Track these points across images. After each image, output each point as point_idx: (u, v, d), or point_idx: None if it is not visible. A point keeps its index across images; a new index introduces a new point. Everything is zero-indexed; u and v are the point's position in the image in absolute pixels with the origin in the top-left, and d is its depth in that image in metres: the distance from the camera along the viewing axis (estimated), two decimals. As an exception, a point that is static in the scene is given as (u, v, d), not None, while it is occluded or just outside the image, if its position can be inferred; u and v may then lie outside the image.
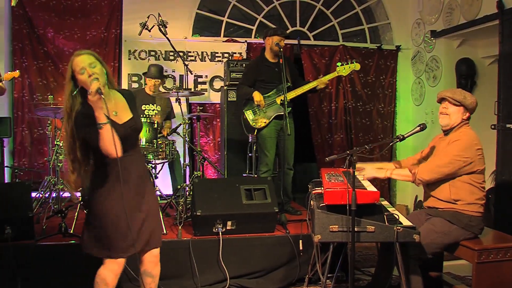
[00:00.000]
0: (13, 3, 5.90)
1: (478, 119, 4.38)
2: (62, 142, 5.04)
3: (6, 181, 6.24)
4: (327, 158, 3.27)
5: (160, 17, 5.39)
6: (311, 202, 3.38)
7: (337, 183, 3.31)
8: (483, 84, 6.69)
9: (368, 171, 3.83)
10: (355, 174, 3.20)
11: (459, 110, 3.62)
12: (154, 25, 5.48)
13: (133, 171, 3.08)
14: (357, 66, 5.50)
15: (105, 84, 2.94)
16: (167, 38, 5.56)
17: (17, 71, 5.17)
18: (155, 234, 3.19)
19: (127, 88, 6.81)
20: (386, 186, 7.54)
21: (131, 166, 3.07)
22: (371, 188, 3.27)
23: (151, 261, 3.23)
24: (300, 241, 4.26)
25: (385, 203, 3.89)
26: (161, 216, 4.55)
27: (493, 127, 5.36)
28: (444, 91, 3.74)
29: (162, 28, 5.45)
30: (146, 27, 5.43)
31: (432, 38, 6.95)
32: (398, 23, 7.69)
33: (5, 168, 6.41)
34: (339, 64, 5.52)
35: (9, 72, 5.01)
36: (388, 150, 7.50)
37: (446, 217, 3.56)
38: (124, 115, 3.08)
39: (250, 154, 6.06)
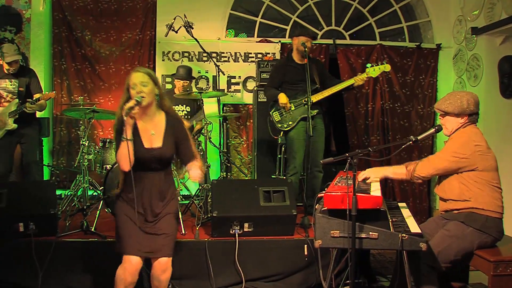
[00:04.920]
0: (41, 8, 6.06)
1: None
2: (87, 142, 5.14)
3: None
4: (321, 161, 3.16)
5: (186, 18, 5.41)
6: (316, 206, 3.27)
7: (342, 186, 3.18)
8: (527, 83, 6.32)
9: (367, 173, 3.67)
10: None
11: (450, 118, 3.53)
12: (180, 27, 5.50)
13: (153, 186, 3.32)
14: (387, 67, 5.32)
15: (150, 104, 3.26)
16: (195, 38, 5.60)
17: (54, 91, 5.54)
18: (164, 245, 3.33)
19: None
20: (425, 190, 7.27)
21: (152, 182, 3.32)
22: (376, 193, 3.12)
23: (159, 268, 3.36)
24: (305, 246, 4.15)
25: (403, 208, 3.74)
26: (181, 219, 4.62)
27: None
28: (437, 102, 3.64)
29: (189, 29, 5.46)
30: (172, 28, 5.46)
31: (473, 36, 6.64)
32: (439, 20, 7.39)
33: (43, 166, 6.59)
34: (368, 65, 5.37)
35: (47, 93, 5.23)
36: (428, 150, 7.23)
37: (461, 219, 3.38)
38: (156, 141, 3.31)
39: (279, 156, 6.00)
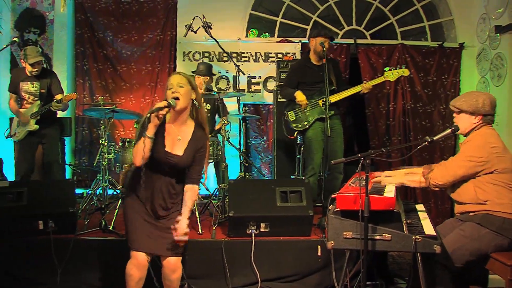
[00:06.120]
0: (62, 10, 6.15)
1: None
2: (106, 141, 5.20)
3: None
4: (332, 161, 3.13)
5: (204, 19, 5.43)
6: (330, 207, 3.24)
7: (355, 187, 3.15)
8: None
9: (382, 180, 3.62)
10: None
11: (464, 116, 3.45)
12: (199, 27, 5.52)
13: (163, 190, 3.32)
14: (405, 72, 5.24)
15: (184, 110, 3.27)
16: (214, 38, 5.61)
17: (75, 93, 5.58)
18: (173, 245, 3.32)
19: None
20: (446, 192, 7.14)
21: (162, 185, 3.32)
22: (389, 194, 3.08)
23: (169, 268, 3.37)
24: (319, 246, 4.12)
25: (420, 210, 3.69)
26: (198, 219, 4.64)
27: None
28: (453, 100, 3.57)
29: (208, 30, 5.48)
30: (191, 29, 5.48)
31: (497, 34, 6.52)
32: (462, 19, 7.28)
33: (65, 166, 6.70)
34: (387, 69, 5.29)
35: (69, 94, 5.29)
36: (450, 151, 7.13)
37: (477, 220, 3.30)
38: (178, 148, 3.30)
39: (298, 156, 5.98)
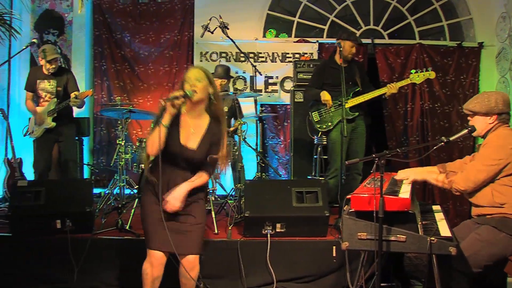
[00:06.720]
0: (80, 11, 6.22)
1: None
2: (123, 141, 5.23)
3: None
4: (346, 162, 3.11)
5: (221, 19, 5.45)
6: (345, 207, 3.22)
7: (370, 188, 3.12)
8: None
9: (406, 173, 3.59)
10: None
11: (478, 118, 3.41)
12: (216, 27, 5.54)
13: (178, 183, 3.27)
14: (432, 75, 5.17)
15: (200, 102, 3.26)
16: (231, 39, 5.61)
17: (91, 89, 5.60)
18: (191, 242, 3.32)
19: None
20: (466, 193, 7.08)
21: (178, 178, 3.29)
22: (404, 195, 3.05)
23: (186, 266, 3.35)
24: (334, 247, 4.10)
25: (437, 211, 3.65)
26: (214, 219, 4.65)
27: None
28: (465, 103, 3.54)
29: (224, 30, 5.50)
30: (208, 29, 5.50)
31: (517, 33, 6.45)
32: (481, 18, 7.20)
33: (84, 165, 6.77)
34: (413, 71, 5.24)
35: (84, 91, 5.36)
36: (469, 152, 7.04)
37: (494, 223, 3.24)
38: (192, 141, 3.28)
39: (315, 156, 5.96)
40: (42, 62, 5.36)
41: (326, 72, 5.38)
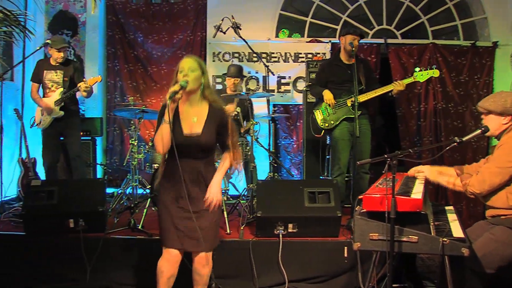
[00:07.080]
0: (93, 12, 6.27)
1: None
2: (136, 141, 5.25)
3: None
4: (358, 162, 3.09)
5: (233, 19, 5.45)
6: (356, 208, 3.20)
7: (382, 188, 3.10)
8: None
9: (422, 168, 3.57)
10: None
11: (492, 117, 3.36)
12: (228, 28, 5.54)
13: (191, 173, 3.29)
14: (436, 73, 5.15)
15: (194, 91, 3.25)
16: (243, 39, 5.60)
17: (99, 76, 5.49)
18: (204, 239, 3.29)
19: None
20: (480, 193, 7.02)
21: (190, 169, 3.28)
22: (416, 195, 3.03)
23: (199, 262, 3.37)
24: (345, 247, 4.08)
25: (449, 211, 3.62)
26: (227, 219, 4.66)
27: None
28: (480, 101, 3.48)
29: (237, 30, 5.50)
30: (220, 29, 5.51)
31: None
32: (495, 17, 7.13)
33: (97, 165, 6.81)
34: (417, 69, 5.21)
35: (92, 78, 5.35)
36: (483, 152, 6.99)
37: (508, 224, 3.20)
38: (196, 127, 3.28)
39: (328, 156, 5.95)
40: (52, 51, 5.44)
41: (330, 70, 5.37)
